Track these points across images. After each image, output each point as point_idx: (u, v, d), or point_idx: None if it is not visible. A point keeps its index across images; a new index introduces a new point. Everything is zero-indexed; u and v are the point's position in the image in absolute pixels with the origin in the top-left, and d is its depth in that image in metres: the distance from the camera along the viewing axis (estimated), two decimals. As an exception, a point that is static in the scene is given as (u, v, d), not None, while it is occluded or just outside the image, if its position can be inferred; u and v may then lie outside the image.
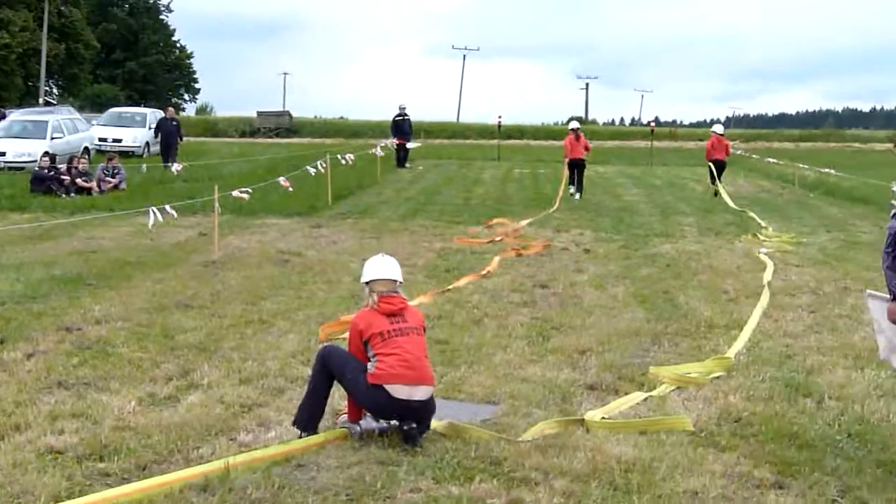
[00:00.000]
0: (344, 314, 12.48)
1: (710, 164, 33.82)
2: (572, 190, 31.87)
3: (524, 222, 24.10)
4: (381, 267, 8.39)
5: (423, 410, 8.01)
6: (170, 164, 34.56)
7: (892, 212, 7.68)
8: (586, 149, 32.65)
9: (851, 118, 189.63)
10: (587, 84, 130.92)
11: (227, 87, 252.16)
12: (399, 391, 7.85)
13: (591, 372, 10.44)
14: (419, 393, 7.94)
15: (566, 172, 32.68)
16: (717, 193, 32.53)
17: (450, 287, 14.91)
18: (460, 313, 13.39)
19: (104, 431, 8.12)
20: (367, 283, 8.36)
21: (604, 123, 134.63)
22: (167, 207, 17.34)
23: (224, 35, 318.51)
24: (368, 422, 8.11)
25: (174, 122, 41.31)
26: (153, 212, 16.82)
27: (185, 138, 44.49)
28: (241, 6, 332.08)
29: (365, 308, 8.31)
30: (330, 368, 8.16)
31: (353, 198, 30.01)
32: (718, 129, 35.23)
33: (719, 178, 33.39)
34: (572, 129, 33.44)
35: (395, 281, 8.36)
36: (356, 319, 8.27)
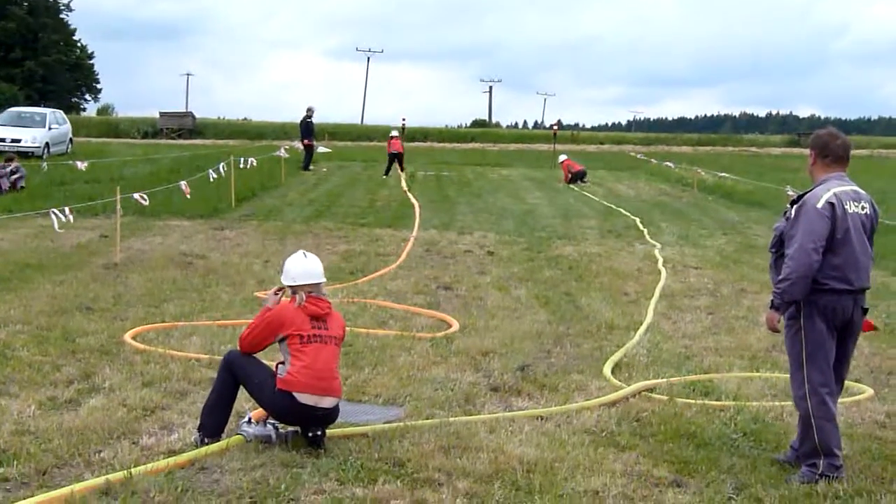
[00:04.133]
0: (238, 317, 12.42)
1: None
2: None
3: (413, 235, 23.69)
4: (307, 270, 8.25)
5: (327, 418, 8.00)
6: None
7: (783, 212, 7.85)
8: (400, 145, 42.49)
9: (748, 123, 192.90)
10: (490, 87, 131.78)
11: (129, 87, 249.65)
12: (306, 399, 7.81)
13: (495, 373, 10.51)
14: (325, 402, 7.91)
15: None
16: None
17: (354, 299, 14.82)
18: (364, 315, 13.40)
19: (3, 436, 7.97)
20: (290, 287, 8.27)
21: (507, 126, 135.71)
22: (66, 210, 17.06)
23: (126, 35, 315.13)
24: (265, 428, 8.06)
25: None
26: (55, 214, 16.53)
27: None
28: (143, 6, 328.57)
29: (290, 302, 8.17)
30: (235, 373, 8.10)
31: (257, 200, 29.82)
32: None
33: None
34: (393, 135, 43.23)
35: (317, 284, 8.31)
36: (279, 310, 8.11)
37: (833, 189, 7.53)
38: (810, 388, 7.52)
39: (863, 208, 7.63)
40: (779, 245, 7.78)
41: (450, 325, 12.84)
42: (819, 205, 7.44)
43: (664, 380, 10.33)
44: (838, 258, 7.45)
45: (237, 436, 8.01)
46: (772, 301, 7.66)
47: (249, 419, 8.15)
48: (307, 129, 43.22)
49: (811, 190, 7.68)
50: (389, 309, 13.87)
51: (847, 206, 7.49)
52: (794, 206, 7.64)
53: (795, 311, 7.58)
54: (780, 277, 7.53)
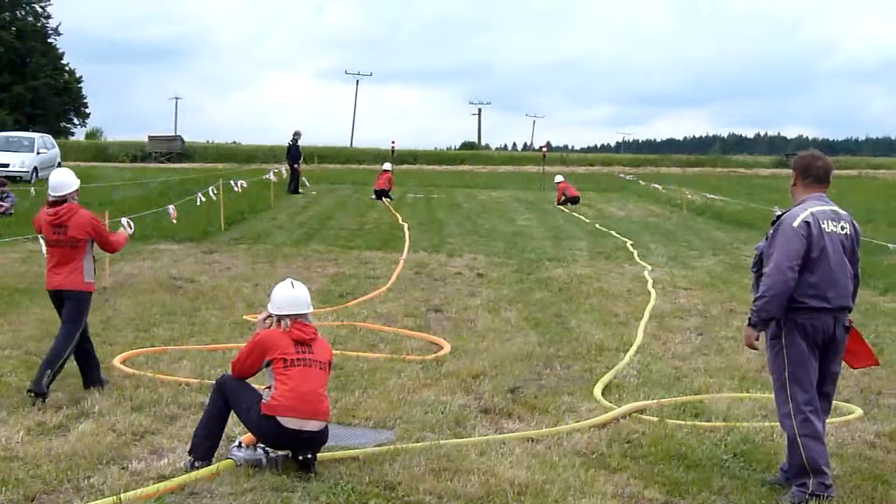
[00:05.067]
0: (238, 339, 12.40)
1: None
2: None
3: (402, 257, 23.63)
4: (294, 300, 8.30)
5: (314, 441, 7.99)
6: None
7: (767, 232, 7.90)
8: (388, 182, 42.29)
9: (737, 144, 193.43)
10: (479, 109, 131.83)
11: (117, 111, 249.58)
12: (290, 423, 7.82)
13: (485, 396, 10.51)
14: (310, 426, 7.90)
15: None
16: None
17: (344, 322, 14.80)
18: (354, 338, 13.39)
19: (-8, 462, 7.95)
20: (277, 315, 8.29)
21: (497, 149, 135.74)
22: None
23: (115, 58, 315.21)
24: (255, 452, 8.05)
25: None
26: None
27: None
28: (132, 29, 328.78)
29: (276, 329, 8.22)
30: (227, 397, 8.12)
31: (246, 223, 29.79)
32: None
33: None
34: (385, 169, 43.79)
35: (304, 314, 8.34)
36: (264, 334, 8.18)
37: (810, 209, 7.62)
38: (794, 406, 7.56)
39: (842, 228, 7.70)
40: (760, 265, 7.85)
41: (441, 348, 12.84)
42: (795, 224, 7.54)
43: (654, 401, 10.34)
44: (815, 276, 7.52)
45: (228, 460, 7.99)
46: (749, 319, 7.72)
47: (240, 443, 8.15)
48: (295, 153, 43.31)
49: (790, 209, 7.77)
50: (379, 332, 13.87)
51: (824, 226, 7.57)
52: (773, 226, 7.72)
53: (777, 331, 7.65)
54: (757, 295, 7.62)
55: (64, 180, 10.69)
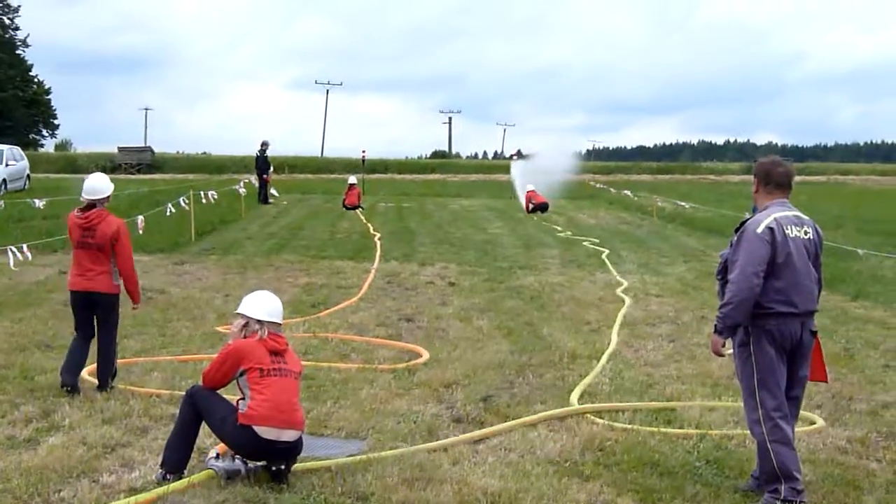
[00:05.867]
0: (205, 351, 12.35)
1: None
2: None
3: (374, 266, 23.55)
4: (277, 309, 8.37)
5: (289, 452, 7.97)
6: None
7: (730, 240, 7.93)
8: (358, 196, 42.25)
9: (706, 151, 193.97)
10: (450, 118, 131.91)
11: (87, 122, 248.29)
12: (267, 433, 7.79)
13: (458, 405, 10.51)
14: (286, 436, 7.89)
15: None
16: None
17: (317, 332, 14.76)
18: (326, 348, 13.37)
19: (-39, 477, 7.89)
20: (258, 320, 8.27)
21: (467, 157, 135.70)
22: (24, 247, 16.95)
23: (84, 69, 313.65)
24: (234, 462, 8.02)
25: None
26: (11, 251, 16.42)
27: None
28: (101, 39, 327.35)
29: (250, 338, 8.18)
30: (198, 408, 8.08)
31: (217, 234, 29.71)
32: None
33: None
34: (351, 183, 43.02)
35: (279, 324, 8.35)
36: (240, 345, 8.13)
37: (774, 215, 7.65)
38: (764, 413, 7.59)
39: (805, 233, 7.73)
40: (724, 272, 7.85)
41: (420, 355, 12.83)
42: (759, 230, 7.56)
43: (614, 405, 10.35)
44: (781, 282, 7.54)
45: (202, 472, 7.96)
46: (715, 326, 7.75)
47: (217, 454, 8.12)
48: (263, 163, 43.28)
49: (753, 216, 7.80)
50: (350, 342, 13.84)
51: (788, 231, 7.60)
52: (736, 233, 7.75)
53: (745, 338, 7.67)
54: (723, 302, 7.64)
55: (97, 184, 11.11)
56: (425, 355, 12.83)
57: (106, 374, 10.81)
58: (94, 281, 10.83)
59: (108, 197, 11.10)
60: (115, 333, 11.09)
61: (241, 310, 8.34)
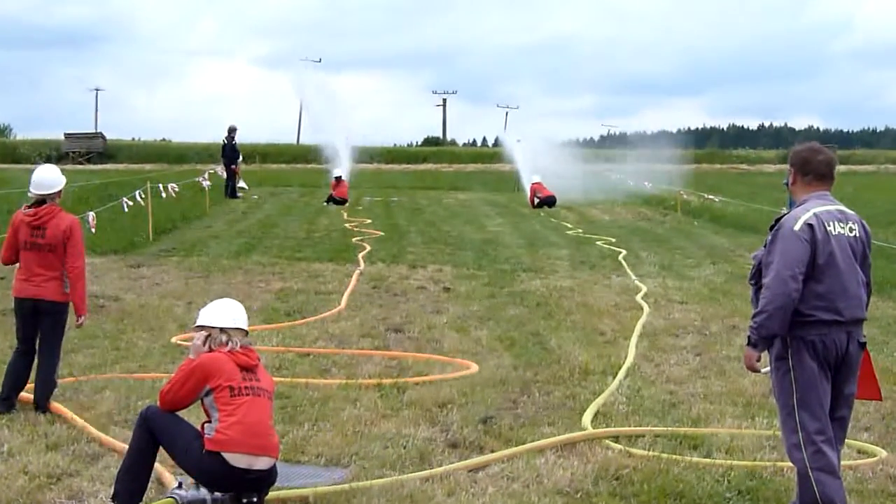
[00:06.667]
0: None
1: None
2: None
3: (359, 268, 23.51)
4: (241, 312, 8.34)
5: (262, 481, 7.94)
6: None
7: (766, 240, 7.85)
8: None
9: (738, 136, 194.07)
10: (444, 100, 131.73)
11: (29, 105, 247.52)
12: (238, 460, 7.75)
13: (453, 427, 10.49)
14: (260, 463, 7.86)
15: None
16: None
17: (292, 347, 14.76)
18: (303, 363, 13.35)
19: None
20: (221, 328, 8.24)
21: (464, 144, 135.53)
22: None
23: (25, 45, 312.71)
24: (198, 492, 7.98)
25: None
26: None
27: None
28: (43, 11, 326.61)
29: (219, 351, 8.13)
30: (155, 432, 8.02)
31: (178, 232, 29.70)
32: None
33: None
34: (336, 178, 43.26)
35: (245, 331, 8.31)
36: (206, 358, 8.05)
37: (813, 209, 7.56)
38: (804, 436, 7.50)
39: (851, 230, 7.64)
40: (758, 276, 7.75)
41: (468, 367, 12.98)
42: (796, 227, 7.46)
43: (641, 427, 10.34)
44: (823, 286, 7.46)
45: (167, 499, 7.94)
46: (749, 337, 7.67)
47: (180, 483, 8.09)
48: (230, 152, 43.09)
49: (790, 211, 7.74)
50: (332, 356, 13.83)
51: (830, 228, 7.51)
52: (771, 231, 7.68)
53: (783, 350, 7.58)
54: (756, 310, 7.54)
55: (48, 178, 11.11)
56: (473, 368, 12.89)
57: (45, 393, 10.80)
58: (42, 287, 10.82)
59: (60, 192, 11.08)
60: (59, 348, 11.09)
61: (200, 322, 8.30)
